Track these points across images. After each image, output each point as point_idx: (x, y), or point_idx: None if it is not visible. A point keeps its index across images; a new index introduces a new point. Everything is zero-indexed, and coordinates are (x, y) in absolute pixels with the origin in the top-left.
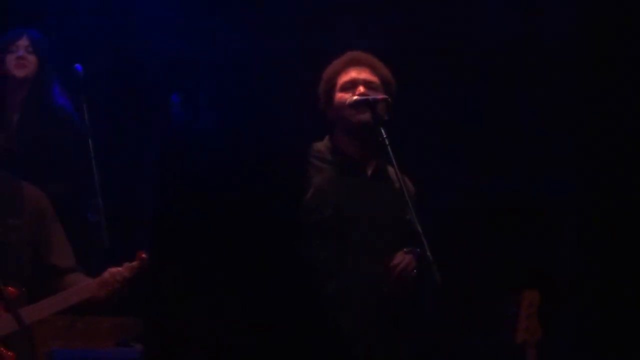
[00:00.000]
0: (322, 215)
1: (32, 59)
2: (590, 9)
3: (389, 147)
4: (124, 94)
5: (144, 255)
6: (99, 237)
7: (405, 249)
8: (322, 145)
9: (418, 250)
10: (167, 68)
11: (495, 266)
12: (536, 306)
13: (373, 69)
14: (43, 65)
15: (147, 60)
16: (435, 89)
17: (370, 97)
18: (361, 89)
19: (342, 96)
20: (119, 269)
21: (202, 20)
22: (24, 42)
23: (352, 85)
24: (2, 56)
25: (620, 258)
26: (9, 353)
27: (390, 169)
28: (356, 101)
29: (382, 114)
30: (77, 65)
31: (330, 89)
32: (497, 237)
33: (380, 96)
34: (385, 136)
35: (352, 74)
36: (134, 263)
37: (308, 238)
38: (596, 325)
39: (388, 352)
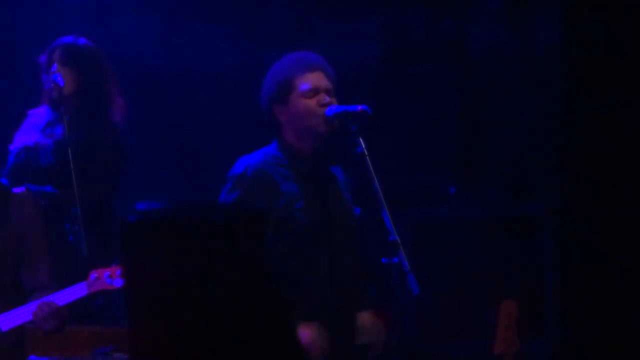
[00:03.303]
0: (296, 223)
1: (66, 72)
2: (578, 17)
3: (367, 158)
4: None
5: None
6: (78, 246)
7: (383, 259)
8: (276, 150)
9: (396, 259)
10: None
11: (475, 276)
12: (515, 317)
13: (326, 73)
14: (81, 76)
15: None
16: (422, 97)
17: (349, 109)
18: (326, 98)
19: (307, 103)
20: (48, 301)
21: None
22: (57, 55)
23: (314, 93)
24: (45, 73)
25: (602, 267)
26: None
27: (334, 167)
28: (335, 114)
29: (359, 123)
30: (55, 76)
31: (287, 91)
32: (478, 246)
33: (359, 108)
34: (363, 146)
35: (312, 80)
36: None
37: (281, 246)
38: (575, 335)
39: None
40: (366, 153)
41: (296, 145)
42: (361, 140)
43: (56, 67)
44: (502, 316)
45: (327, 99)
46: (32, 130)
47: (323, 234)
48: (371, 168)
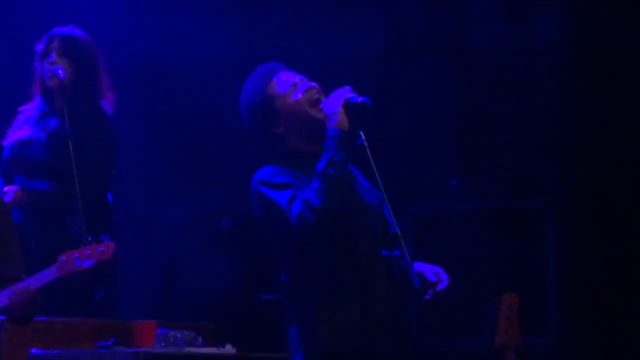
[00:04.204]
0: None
1: (64, 62)
2: (578, 12)
3: (367, 150)
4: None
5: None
6: (79, 239)
7: (383, 252)
8: (281, 164)
9: (397, 252)
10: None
11: (476, 269)
12: (516, 309)
13: (287, 69)
14: (78, 68)
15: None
16: (423, 91)
17: (350, 100)
18: (306, 84)
19: (291, 97)
20: (23, 285)
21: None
22: (55, 44)
23: (293, 87)
24: (40, 62)
25: (603, 260)
26: None
27: None
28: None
29: (359, 115)
30: (56, 67)
31: (270, 104)
32: (478, 239)
33: (360, 99)
34: (364, 139)
35: (282, 79)
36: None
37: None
38: (576, 327)
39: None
40: (366, 145)
41: (304, 146)
42: (361, 132)
43: (54, 56)
44: (503, 309)
45: (308, 83)
46: (25, 124)
47: (350, 217)
48: (372, 160)
